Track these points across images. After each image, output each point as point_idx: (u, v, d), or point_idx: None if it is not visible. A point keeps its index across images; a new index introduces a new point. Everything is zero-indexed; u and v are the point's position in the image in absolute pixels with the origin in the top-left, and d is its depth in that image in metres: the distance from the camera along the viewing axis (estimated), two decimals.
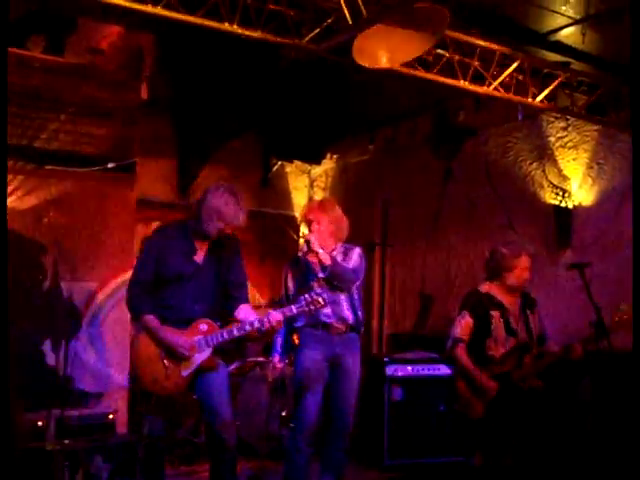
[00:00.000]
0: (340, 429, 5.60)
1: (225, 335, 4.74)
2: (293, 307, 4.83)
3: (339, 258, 5.60)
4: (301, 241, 5.83)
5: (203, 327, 4.74)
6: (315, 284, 5.27)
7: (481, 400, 5.42)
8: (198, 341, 4.71)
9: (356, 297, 5.66)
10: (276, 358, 6.21)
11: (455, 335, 5.56)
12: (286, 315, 4.81)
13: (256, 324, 4.72)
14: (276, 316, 4.75)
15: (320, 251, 5.39)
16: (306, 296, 4.84)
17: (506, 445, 5.49)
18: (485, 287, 5.68)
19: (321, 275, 5.51)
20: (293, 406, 5.78)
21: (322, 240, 5.53)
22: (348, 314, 5.60)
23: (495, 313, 5.53)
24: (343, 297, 5.59)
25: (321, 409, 5.59)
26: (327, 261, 5.39)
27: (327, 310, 5.46)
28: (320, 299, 4.82)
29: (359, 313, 5.67)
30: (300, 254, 5.75)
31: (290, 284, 5.71)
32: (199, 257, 4.86)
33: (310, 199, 5.85)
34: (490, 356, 5.48)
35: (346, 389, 5.60)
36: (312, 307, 4.81)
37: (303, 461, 5.54)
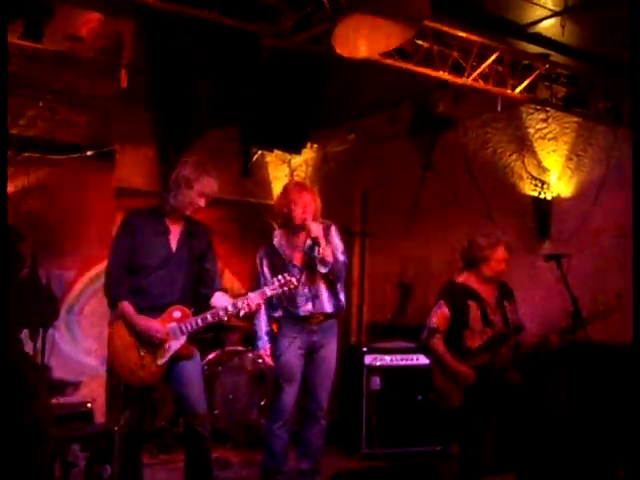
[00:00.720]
0: (317, 414, 5.65)
1: (199, 322, 4.73)
2: (266, 289, 4.84)
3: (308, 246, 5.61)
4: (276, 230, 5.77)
5: (177, 314, 4.73)
6: (293, 278, 5.05)
7: (459, 389, 5.44)
8: (172, 328, 4.69)
9: (337, 279, 5.66)
10: (267, 350, 5.86)
11: (431, 325, 5.56)
12: (263, 297, 4.83)
13: (230, 309, 4.72)
14: (254, 299, 4.75)
15: (323, 244, 5.41)
16: (279, 277, 4.85)
17: (482, 435, 5.51)
18: (462, 277, 5.69)
19: (296, 266, 5.53)
20: (271, 394, 5.80)
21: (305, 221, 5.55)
22: (329, 305, 5.62)
23: (472, 304, 5.54)
24: (324, 287, 5.61)
25: (298, 396, 5.62)
26: (329, 258, 5.43)
27: (308, 307, 5.50)
28: (293, 279, 4.84)
29: (341, 297, 5.70)
30: (275, 241, 5.72)
31: (267, 271, 5.66)
32: (173, 243, 4.85)
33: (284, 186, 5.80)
34: (467, 347, 5.49)
35: (323, 375, 5.65)
36: (285, 288, 4.82)
37: (280, 447, 5.59)
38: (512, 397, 5.51)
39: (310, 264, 5.55)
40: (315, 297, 5.53)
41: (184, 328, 4.70)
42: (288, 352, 5.56)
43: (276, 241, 5.72)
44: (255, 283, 5.71)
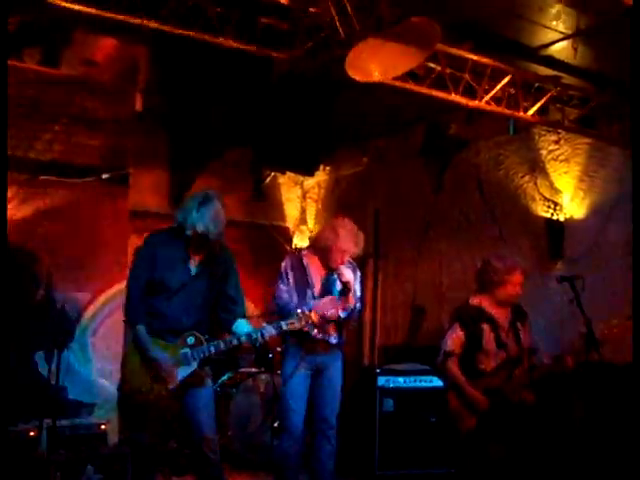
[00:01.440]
0: (327, 433, 5.63)
1: (212, 349, 4.74)
2: (283, 323, 4.84)
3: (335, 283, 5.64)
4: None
5: (190, 340, 4.73)
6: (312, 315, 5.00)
7: (472, 414, 5.43)
8: (184, 354, 4.71)
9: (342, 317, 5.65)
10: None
11: (446, 348, 5.52)
12: (278, 331, 4.83)
13: (244, 339, 4.74)
14: (268, 332, 4.77)
15: (352, 291, 5.48)
16: (298, 312, 4.85)
17: (494, 458, 5.48)
18: (476, 300, 5.66)
19: (314, 297, 5.57)
20: (281, 414, 5.79)
21: (340, 262, 5.59)
22: (334, 338, 5.63)
23: (486, 327, 5.50)
24: (332, 323, 5.63)
25: (306, 417, 5.64)
26: (351, 305, 5.50)
27: (315, 332, 5.51)
28: (313, 315, 4.85)
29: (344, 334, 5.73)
30: (304, 259, 5.72)
31: (291, 281, 5.65)
32: (193, 267, 4.84)
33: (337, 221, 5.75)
34: (481, 370, 5.47)
35: (331, 394, 5.65)
36: (304, 323, 4.84)
37: (291, 465, 5.59)
38: (526, 418, 5.49)
39: (324, 292, 5.60)
40: (323, 330, 5.54)
41: (196, 355, 4.71)
42: (296, 372, 5.55)
43: (305, 261, 5.72)
44: (274, 286, 5.72)
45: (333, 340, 5.62)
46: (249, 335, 4.74)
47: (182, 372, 4.70)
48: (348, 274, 5.47)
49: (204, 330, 4.82)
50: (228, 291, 4.93)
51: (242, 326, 4.89)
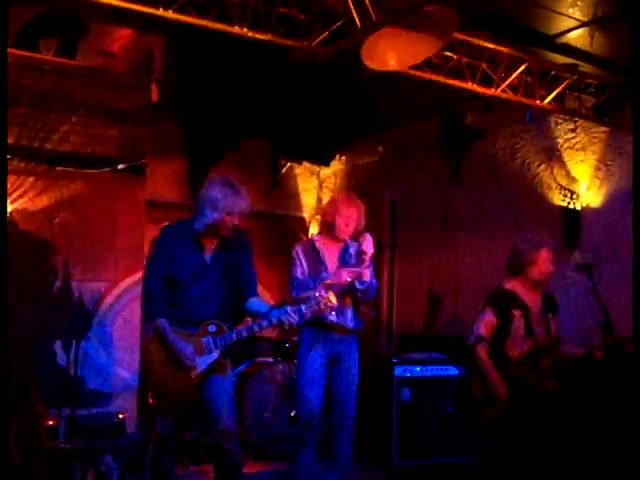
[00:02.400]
0: (345, 423, 5.64)
1: (234, 336, 4.75)
2: (303, 306, 4.74)
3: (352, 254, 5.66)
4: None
5: (212, 328, 4.75)
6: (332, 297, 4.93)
7: (492, 402, 5.41)
8: (206, 342, 4.72)
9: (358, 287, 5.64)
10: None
11: (478, 332, 5.51)
12: (299, 314, 4.73)
13: (265, 324, 4.72)
14: (290, 316, 4.68)
15: (367, 262, 5.47)
16: (316, 295, 4.79)
17: (518, 446, 5.46)
18: (509, 284, 5.63)
19: (327, 276, 5.56)
20: (296, 403, 5.83)
21: (350, 235, 5.68)
22: (352, 322, 5.66)
23: (517, 312, 5.48)
24: (350, 303, 5.65)
25: (323, 406, 5.65)
26: (366, 277, 5.48)
27: (332, 317, 5.51)
28: (332, 298, 4.77)
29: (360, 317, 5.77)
30: (316, 243, 5.75)
31: (305, 265, 5.66)
32: (208, 255, 4.87)
33: (334, 196, 5.91)
34: (507, 356, 5.45)
35: (347, 384, 5.64)
36: (322, 306, 4.75)
37: (309, 455, 5.61)
38: (550, 407, 5.47)
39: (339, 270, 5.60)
40: (339, 311, 5.53)
41: (218, 342, 4.73)
42: (310, 359, 5.59)
43: (317, 244, 5.75)
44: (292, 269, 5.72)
45: (350, 324, 5.62)
46: (270, 321, 4.71)
47: (205, 361, 4.71)
48: (366, 244, 5.46)
49: (226, 318, 4.83)
50: (241, 272, 4.92)
51: (255, 305, 4.91)
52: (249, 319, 4.93)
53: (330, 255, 5.71)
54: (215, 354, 4.73)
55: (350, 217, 5.64)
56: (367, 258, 5.44)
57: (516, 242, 5.74)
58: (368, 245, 5.47)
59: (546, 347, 5.47)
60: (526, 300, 5.55)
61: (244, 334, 4.76)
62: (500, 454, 5.50)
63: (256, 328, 4.77)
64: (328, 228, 5.74)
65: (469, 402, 5.64)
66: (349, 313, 5.64)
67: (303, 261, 5.69)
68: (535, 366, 5.42)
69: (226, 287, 4.89)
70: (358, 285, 5.50)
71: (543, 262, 5.54)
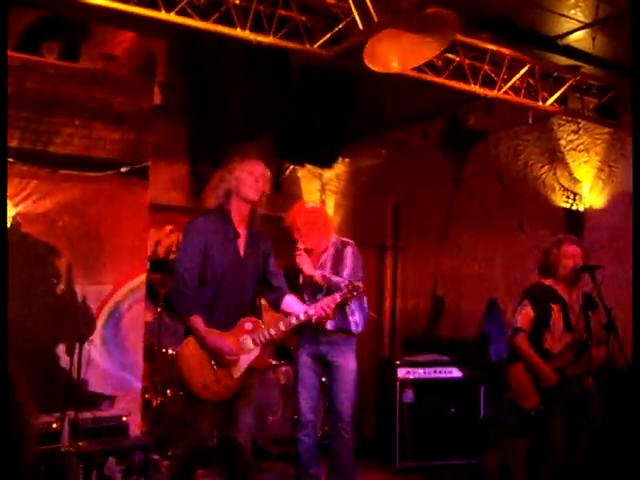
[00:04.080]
0: (337, 426, 5.68)
1: (272, 332, 4.66)
2: (337, 295, 4.80)
3: (328, 265, 5.70)
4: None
5: (248, 326, 4.64)
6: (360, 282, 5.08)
7: (536, 391, 5.43)
8: (245, 341, 4.61)
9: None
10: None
11: (516, 325, 5.59)
12: (334, 302, 4.78)
13: (302, 317, 4.69)
14: (326, 305, 4.72)
15: (313, 274, 5.54)
16: (347, 282, 4.88)
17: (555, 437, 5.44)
18: (547, 281, 5.71)
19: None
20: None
21: (314, 243, 5.75)
22: (330, 323, 5.61)
23: (555, 306, 5.56)
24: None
25: (317, 405, 5.88)
26: (320, 281, 5.51)
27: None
28: (360, 283, 4.82)
29: (351, 318, 5.72)
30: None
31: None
32: (241, 247, 4.74)
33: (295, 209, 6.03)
34: (545, 349, 5.50)
35: (339, 389, 5.66)
36: (355, 293, 4.80)
37: (304, 450, 5.70)
38: (588, 403, 5.49)
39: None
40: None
41: (257, 340, 4.63)
42: (300, 359, 5.77)
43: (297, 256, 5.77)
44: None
45: (329, 326, 5.60)
46: (306, 313, 4.69)
47: (246, 359, 4.61)
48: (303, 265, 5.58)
49: (259, 313, 4.77)
50: (270, 268, 4.88)
51: (293, 304, 4.86)
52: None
53: (308, 266, 5.70)
54: (255, 351, 4.64)
55: (304, 229, 5.80)
56: (305, 271, 5.55)
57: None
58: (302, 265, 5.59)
59: (586, 343, 5.49)
60: (564, 296, 5.63)
61: (282, 329, 4.69)
62: (538, 447, 5.48)
63: (294, 321, 4.70)
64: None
65: (508, 392, 5.66)
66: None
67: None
68: (574, 361, 5.44)
69: (257, 280, 4.82)
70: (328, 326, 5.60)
71: (567, 258, 5.60)
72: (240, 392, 4.67)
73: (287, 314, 4.83)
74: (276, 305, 4.90)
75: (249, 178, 4.73)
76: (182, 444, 4.79)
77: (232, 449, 4.75)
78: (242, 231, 4.77)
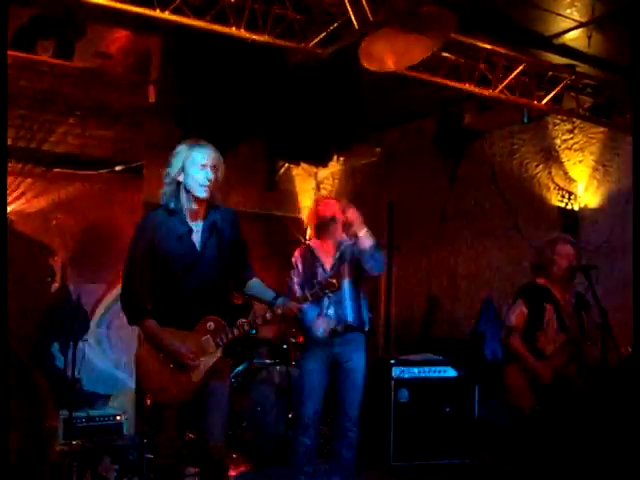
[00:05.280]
0: (346, 426, 5.64)
1: (235, 331, 4.29)
2: (307, 293, 4.51)
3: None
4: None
5: (210, 325, 4.27)
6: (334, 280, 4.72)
7: (532, 391, 5.43)
8: (206, 341, 4.26)
9: (362, 295, 5.72)
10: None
11: (509, 324, 5.60)
12: (304, 301, 4.49)
13: (268, 316, 4.35)
14: (292, 304, 4.42)
15: (363, 230, 5.52)
16: (319, 280, 4.71)
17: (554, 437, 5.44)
18: (541, 280, 5.71)
19: (326, 273, 5.59)
20: (295, 405, 5.88)
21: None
22: (352, 316, 5.62)
23: (549, 306, 5.56)
24: (348, 296, 5.63)
25: (322, 407, 5.66)
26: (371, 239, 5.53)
27: (330, 311, 5.51)
28: (334, 281, 4.49)
29: (365, 312, 5.73)
30: (311, 243, 5.83)
31: (300, 268, 5.74)
32: (197, 241, 4.32)
33: (319, 200, 6.05)
34: (539, 349, 5.50)
35: (350, 388, 5.63)
36: (327, 290, 4.47)
37: (302, 449, 5.60)
38: (582, 403, 5.49)
39: (339, 265, 5.64)
40: (338, 303, 5.55)
41: (219, 341, 4.27)
42: (308, 365, 5.64)
43: (312, 246, 5.82)
44: (286, 282, 5.76)
45: (350, 318, 5.59)
46: (273, 312, 4.35)
47: (207, 362, 4.27)
48: (349, 214, 5.58)
49: (225, 312, 4.35)
50: (235, 256, 4.45)
51: (258, 288, 4.53)
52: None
53: (325, 254, 5.73)
54: (217, 354, 4.28)
55: (335, 218, 5.70)
56: (356, 224, 5.51)
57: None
58: (351, 214, 5.55)
59: (579, 343, 5.49)
60: (558, 296, 5.63)
61: (246, 328, 4.31)
62: (535, 447, 5.48)
63: (259, 321, 4.35)
64: (316, 231, 5.79)
65: (505, 393, 5.65)
66: (348, 303, 5.62)
67: (299, 267, 5.73)
68: (568, 361, 5.44)
69: (222, 274, 4.37)
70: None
71: (560, 257, 5.60)
72: (207, 397, 4.33)
73: (255, 299, 4.65)
74: (242, 292, 4.60)
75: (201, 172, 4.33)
76: (161, 450, 4.49)
77: (203, 457, 4.40)
78: (198, 221, 4.37)
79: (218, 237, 4.35)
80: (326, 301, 5.50)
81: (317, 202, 6.02)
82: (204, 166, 4.30)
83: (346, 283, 5.62)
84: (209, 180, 4.28)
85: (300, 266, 5.73)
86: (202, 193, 4.29)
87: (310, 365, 5.62)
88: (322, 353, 5.59)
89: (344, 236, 5.72)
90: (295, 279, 5.70)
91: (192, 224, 4.35)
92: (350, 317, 5.61)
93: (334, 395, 5.69)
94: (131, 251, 4.40)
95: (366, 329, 5.77)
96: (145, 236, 4.34)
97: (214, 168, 4.33)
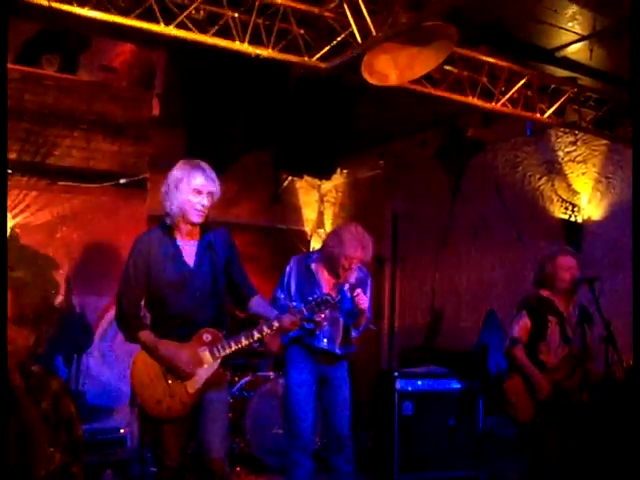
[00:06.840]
0: (339, 442, 5.52)
1: (232, 344, 4.25)
2: (303, 307, 4.40)
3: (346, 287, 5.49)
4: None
5: (207, 337, 4.23)
6: (332, 294, 4.76)
7: (532, 403, 5.43)
8: (202, 353, 4.21)
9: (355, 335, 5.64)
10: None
11: (513, 335, 5.57)
12: (300, 315, 4.37)
13: (265, 329, 4.29)
14: (289, 317, 4.33)
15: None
16: (316, 295, 4.49)
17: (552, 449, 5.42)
18: (545, 292, 5.68)
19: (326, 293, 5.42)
20: (287, 422, 5.61)
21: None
22: (340, 349, 5.51)
23: (552, 318, 5.54)
24: (341, 330, 5.54)
25: (317, 421, 5.60)
26: (364, 305, 5.36)
27: (323, 343, 5.43)
28: (329, 298, 4.43)
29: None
30: (312, 265, 5.58)
31: (292, 282, 5.52)
32: (189, 259, 4.32)
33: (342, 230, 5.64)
34: (540, 361, 5.48)
35: (339, 403, 5.54)
36: (323, 307, 4.42)
37: (303, 475, 5.43)
38: (583, 416, 5.47)
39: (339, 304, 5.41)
40: (331, 338, 5.48)
41: (216, 352, 4.22)
42: (298, 379, 5.48)
43: (313, 266, 5.58)
44: (276, 288, 5.58)
45: (338, 351, 5.51)
46: (270, 325, 4.29)
47: (203, 373, 4.20)
48: (353, 276, 5.44)
49: (220, 325, 4.32)
50: (233, 277, 4.44)
51: (261, 306, 4.49)
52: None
53: (326, 282, 5.54)
54: (214, 365, 4.22)
55: (355, 259, 5.39)
56: (362, 305, 5.32)
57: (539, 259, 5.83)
58: (354, 276, 5.45)
59: (582, 357, 5.48)
60: (561, 308, 5.61)
61: (243, 341, 4.26)
62: (536, 459, 5.46)
63: (256, 334, 4.28)
64: (329, 261, 5.51)
65: (505, 405, 5.63)
66: (339, 338, 5.51)
67: (292, 284, 5.53)
68: (571, 374, 5.43)
69: (216, 291, 4.33)
70: (354, 334, 5.52)
71: (562, 270, 5.58)
72: (205, 409, 4.28)
73: (257, 316, 4.53)
74: (245, 310, 4.56)
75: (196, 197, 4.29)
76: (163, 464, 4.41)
77: (204, 474, 4.33)
78: (190, 241, 4.36)
79: (213, 255, 4.34)
80: (321, 333, 5.39)
81: (346, 241, 5.40)
82: (200, 192, 4.27)
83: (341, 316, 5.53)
84: (204, 207, 4.28)
85: (293, 283, 5.53)
86: (196, 218, 4.29)
87: (298, 382, 5.46)
88: (311, 368, 5.47)
89: (347, 280, 5.50)
90: (281, 296, 5.48)
91: (187, 243, 4.35)
92: (338, 350, 5.50)
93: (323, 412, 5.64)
94: (126, 272, 4.37)
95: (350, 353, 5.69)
96: (140, 256, 4.32)
97: (209, 195, 4.30)
